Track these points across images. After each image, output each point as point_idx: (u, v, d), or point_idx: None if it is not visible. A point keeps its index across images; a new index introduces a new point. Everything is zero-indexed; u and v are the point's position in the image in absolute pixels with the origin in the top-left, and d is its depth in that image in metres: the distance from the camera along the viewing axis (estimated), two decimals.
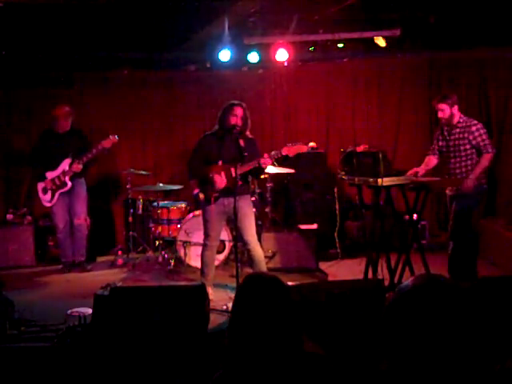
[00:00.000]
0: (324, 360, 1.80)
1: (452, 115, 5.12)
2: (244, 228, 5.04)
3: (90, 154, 6.17)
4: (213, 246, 5.19)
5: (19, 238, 6.72)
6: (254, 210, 5.28)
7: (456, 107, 5.13)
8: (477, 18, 6.10)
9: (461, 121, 5.11)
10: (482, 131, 5.06)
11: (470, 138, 5.05)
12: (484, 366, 1.32)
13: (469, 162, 5.08)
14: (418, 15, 6.26)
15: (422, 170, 5.26)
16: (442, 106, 5.13)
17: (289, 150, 4.97)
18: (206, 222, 5.16)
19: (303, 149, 5.04)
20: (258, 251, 5.10)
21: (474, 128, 5.04)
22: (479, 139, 5.05)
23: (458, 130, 5.12)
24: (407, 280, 1.47)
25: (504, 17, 5.97)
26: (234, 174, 4.92)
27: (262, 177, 6.41)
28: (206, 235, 5.16)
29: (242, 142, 5.01)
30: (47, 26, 6.02)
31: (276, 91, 7.88)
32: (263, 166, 4.94)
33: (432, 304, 1.34)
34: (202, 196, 5.08)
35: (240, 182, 4.96)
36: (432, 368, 1.32)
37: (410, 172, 5.16)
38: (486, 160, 5.11)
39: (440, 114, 5.18)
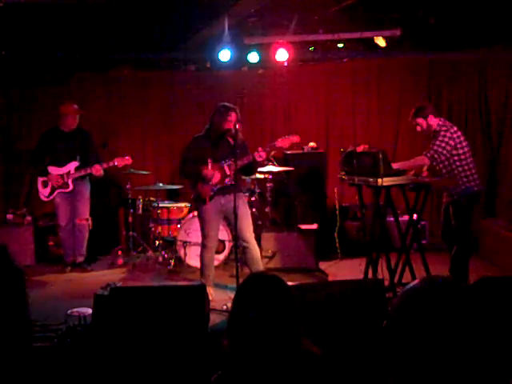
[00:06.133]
0: (321, 360, 1.80)
1: (429, 126, 5.05)
2: (242, 226, 5.04)
3: (106, 164, 6.21)
4: (212, 247, 5.19)
5: (19, 237, 6.70)
6: (248, 207, 5.28)
7: (431, 116, 5.04)
8: (477, 18, 6.10)
9: (437, 128, 5.02)
10: (445, 138, 4.92)
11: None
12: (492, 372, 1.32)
13: (448, 168, 5.03)
14: (418, 15, 6.25)
15: (424, 171, 5.26)
16: (418, 120, 5.09)
17: (282, 142, 5.05)
18: (203, 222, 5.15)
19: (296, 139, 5.10)
20: (256, 250, 5.13)
21: (442, 133, 4.97)
22: (435, 141, 4.97)
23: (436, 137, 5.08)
24: (413, 282, 1.46)
25: (504, 17, 5.97)
26: (227, 172, 4.97)
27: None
28: (205, 236, 5.16)
29: (231, 141, 5.02)
30: (47, 25, 6.02)
31: (276, 91, 7.88)
32: (258, 159, 4.95)
33: (441, 306, 1.34)
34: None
35: (234, 181, 4.96)
36: (440, 371, 1.31)
37: (411, 172, 5.16)
38: (418, 160, 5.08)
39: (418, 129, 5.12)
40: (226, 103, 5.14)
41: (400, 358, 1.35)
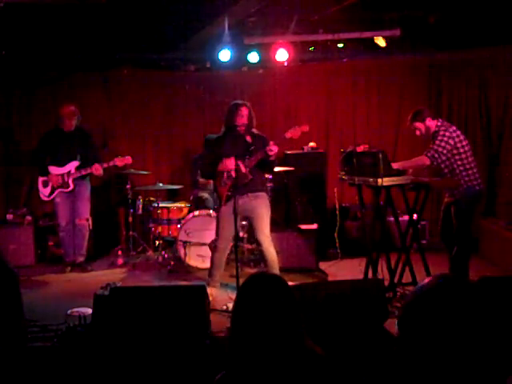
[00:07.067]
0: (323, 360, 1.81)
1: (428, 129, 5.07)
2: (258, 228, 5.02)
3: (106, 164, 6.22)
4: (223, 248, 5.12)
5: (19, 237, 6.71)
6: (268, 208, 5.12)
7: (429, 119, 5.05)
8: (477, 17, 6.10)
9: (436, 129, 5.03)
10: (444, 138, 4.94)
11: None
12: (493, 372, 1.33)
13: (450, 168, 5.02)
14: (418, 15, 6.25)
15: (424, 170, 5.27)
16: (416, 125, 5.10)
17: (292, 133, 4.95)
18: (218, 222, 5.14)
19: (305, 128, 4.99)
20: (270, 253, 5.05)
21: (441, 133, 4.97)
22: (434, 141, 4.98)
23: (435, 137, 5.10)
24: (425, 279, 1.47)
25: (504, 17, 5.97)
26: (243, 170, 4.89)
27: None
28: (217, 236, 5.14)
29: (249, 138, 4.98)
30: (47, 25, 6.02)
31: (276, 91, 7.88)
32: (270, 153, 4.82)
33: (456, 304, 1.34)
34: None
35: (250, 177, 4.92)
36: (451, 368, 1.31)
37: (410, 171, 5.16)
38: (419, 160, 5.08)
39: (417, 133, 5.14)
40: (236, 100, 5.14)
41: (412, 355, 1.36)
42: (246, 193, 4.95)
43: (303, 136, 7.00)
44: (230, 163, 4.93)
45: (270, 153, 4.83)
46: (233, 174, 4.92)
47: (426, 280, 1.44)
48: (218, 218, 5.18)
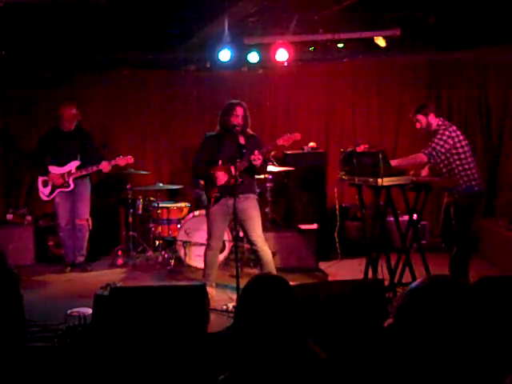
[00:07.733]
0: (325, 362, 1.81)
1: (429, 124, 5.08)
2: (249, 229, 5.01)
3: (109, 163, 6.21)
4: (215, 247, 5.14)
5: (19, 238, 6.71)
6: (258, 209, 5.14)
7: (432, 115, 5.07)
8: (477, 18, 6.10)
9: (436, 128, 5.04)
10: (443, 137, 4.94)
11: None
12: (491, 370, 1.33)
13: (448, 167, 5.02)
14: (418, 15, 6.25)
15: (425, 170, 5.26)
16: (418, 117, 5.10)
17: (284, 141, 4.94)
18: (209, 222, 5.13)
19: (297, 137, 4.98)
20: (265, 252, 5.04)
21: (441, 131, 4.97)
22: (433, 139, 4.98)
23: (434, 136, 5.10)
24: (415, 282, 1.47)
25: (504, 17, 5.97)
26: (233, 172, 4.87)
27: (263, 176, 6.35)
28: (209, 235, 5.14)
29: (242, 140, 4.95)
30: (47, 26, 6.02)
31: (276, 91, 7.88)
32: (253, 162, 4.79)
33: (443, 305, 1.34)
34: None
35: (240, 180, 4.89)
36: (444, 368, 1.31)
37: (411, 172, 5.16)
38: (416, 157, 5.07)
39: (418, 125, 5.15)
40: (232, 100, 5.11)
41: (404, 356, 1.36)
42: (237, 194, 4.95)
43: (303, 136, 7.03)
44: (221, 177, 4.94)
45: (254, 163, 4.80)
46: (222, 178, 4.94)
47: (418, 281, 1.44)
48: (208, 218, 5.16)
